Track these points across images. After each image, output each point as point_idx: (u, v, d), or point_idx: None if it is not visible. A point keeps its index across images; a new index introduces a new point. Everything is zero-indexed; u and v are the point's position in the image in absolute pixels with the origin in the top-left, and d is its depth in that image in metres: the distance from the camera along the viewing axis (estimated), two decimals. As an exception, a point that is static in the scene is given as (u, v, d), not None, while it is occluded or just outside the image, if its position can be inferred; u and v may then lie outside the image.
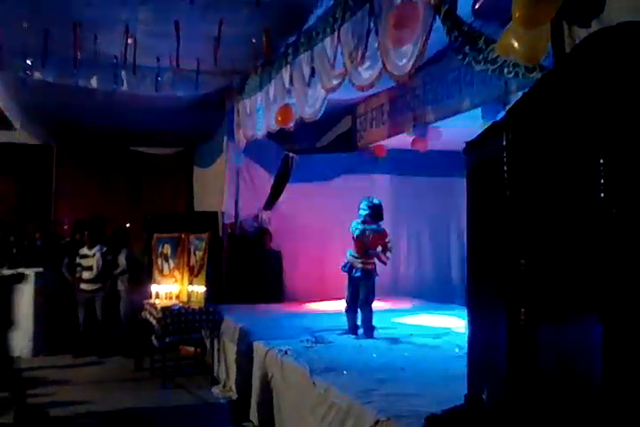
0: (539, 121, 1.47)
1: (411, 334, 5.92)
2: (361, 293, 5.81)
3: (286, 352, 5.02)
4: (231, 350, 6.43)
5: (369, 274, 5.80)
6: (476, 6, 2.90)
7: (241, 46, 6.00)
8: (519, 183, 1.78)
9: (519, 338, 1.84)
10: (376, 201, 5.96)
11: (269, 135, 7.28)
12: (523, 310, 1.82)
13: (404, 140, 7.55)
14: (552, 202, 1.47)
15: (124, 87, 6.64)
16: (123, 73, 6.40)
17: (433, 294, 8.80)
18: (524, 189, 1.74)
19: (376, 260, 5.87)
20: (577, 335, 1.46)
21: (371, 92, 5.69)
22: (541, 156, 1.54)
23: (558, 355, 1.56)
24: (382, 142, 8.33)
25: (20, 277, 6.24)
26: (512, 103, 5.75)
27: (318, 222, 8.33)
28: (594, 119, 1.17)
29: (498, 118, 5.87)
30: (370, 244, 5.82)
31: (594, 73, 1.19)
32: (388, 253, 5.85)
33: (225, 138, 8.35)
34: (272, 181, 8.43)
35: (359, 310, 5.83)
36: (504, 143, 1.85)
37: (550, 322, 1.64)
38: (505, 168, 1.86)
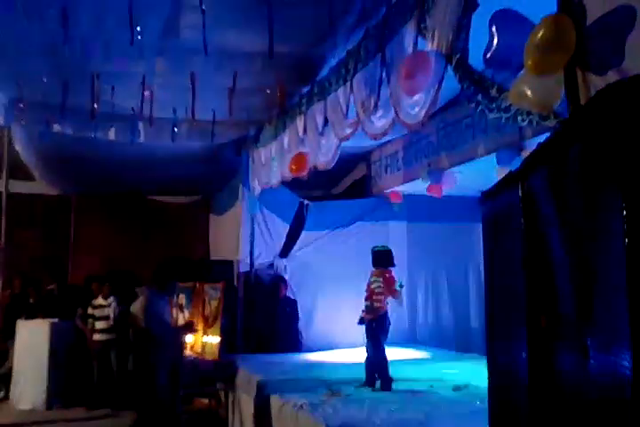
0: (555, 171, 1.43)
1: (431, 386, 5.75)
2: (369, 344, 5.70)
3: (302, 406, 4.88)
4: (246, 402, 6.27)
5: (366, 324, 5.68)
6: (488, 55, 2.90)
7: (255, 97, 6.09)
8: (536, 234, 1.72)
9: (542, 394, 1.75)
10: (377, 248, 5.91)
11: (284, 183, 7.31)
12: (547, 363, 1.74)
13: (419, 186, 7.53)
14: (572, 252, 1.41)
15: (142, 139, 6.74)
16: (140, 125, 6.51)
17: (451, 343, 8.60)
18: (541, 240, 1.68)
19: (379, 306, 5.70)
20: (603, 381, 1.37)
21: (385, 138, 5.71)
22: (559, 206, 1.49)
23: (584, 401, 1.47)
24: (397, 188, 8.32)
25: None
26: (527, 149, 5.78)
27: (334, 270, 8.25)
28: (614, 170, 1.13)
29: (513, 164, 5.88)
30: (368, 291, 5.74)
31: (613, 124, 1.15)
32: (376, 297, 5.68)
33: (240, 186, 8.39)
34: (287, 229, 8.41)
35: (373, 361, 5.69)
36: (519, 194, 1.80)
37: (574, 371, 1.56)
38: (521, 219, 1.80)
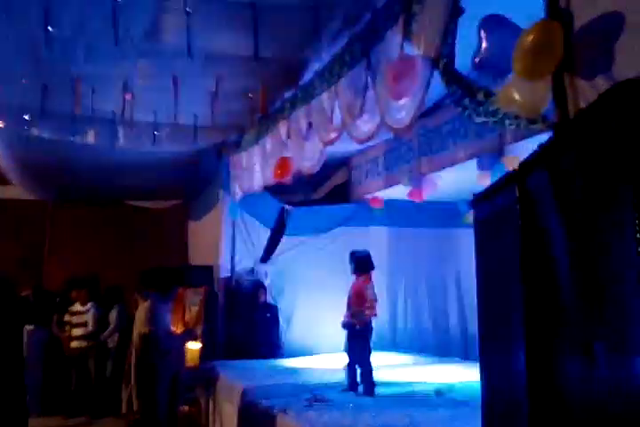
0: (555, 173, 1.44)
1: (413, 390, 5.76)
2: (355, 349, 5.67)
3: (285, 411, 4.85)
4: (227, 409, 6.21)
5: (353, 329, 5.65)
6: (477, 59, 2.93)
7: (238, 101, 6.07)
8: (534, 233, 1.73)
9: (543, 401, 1.74)
10: (359, 253, 5.90)
11: (265, 188, 7.28)
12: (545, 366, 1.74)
13: (399, 191, 7.57)
14: (578, 250, 1.42)
15: (121, 143, 6.67)
16: (120, 128, 6.44)
17: (431, 348, 8.65)
18: (540, 239, 1.69)
19: (371, 312, 5.70)
20: (611, 377, 1.37)
21: (367, 144, 5.73)
22: (562, 205, 1.50)
23: (591, 410, 1.47)
24: (378, 194, 8.35)
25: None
26: (507, 154, 5.84)
27: (314, 275, 8.25)
28: (625, 167, 1.14)
29: (493, 169, 5.94)
30: (351, 297, 5.71)
31: (616, 127, 1.17)
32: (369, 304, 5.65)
33: (220, 191, 8.35)
34: (268, 234, 8.38)
35: (358, 366, 5.67)
36: (516, 194, 1.82)
37: (577, 368, 1.56)
38: (518, 219, 1.81)
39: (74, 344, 7.91)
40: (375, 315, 5.69)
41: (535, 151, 1.67)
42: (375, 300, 5.67)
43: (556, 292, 1.57)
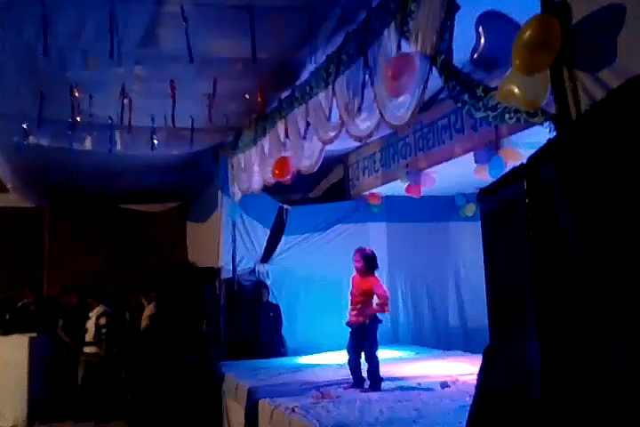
0: (566, 166, 1.48)
1: (418, 384, 5.80)
2: (363, 345, 5.69)
3: (294, 409, 4.88)
4: (234, 409, 6.25)
5: (362, 327, 5.67)
6: (475, 55, 2.97)
7: (234, 102, 6.08)
8: (544, 225, 1.77)
9: (557, 393, 1.78)
10: (367, 251, 5.88)
11: (263, 188, 7.31)
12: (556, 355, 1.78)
13: (397, 187, 7.61)
14: (592, 240, 1.45)
15: (119, 148, 6.67)
16: (117, 134, 6.44)
17: (433, 342, 8.71)
18: (550, 230, 1.73)
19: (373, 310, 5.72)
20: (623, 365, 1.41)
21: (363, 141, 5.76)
22: (566, 201, 1.54)
23: (606, 401, 1.50)
24: (376, 190, 8.39)
25: None
26: (504, 147, 5.89)
27: (315, 273, 8.31)
28: (627, 168, 1.18)
29: (490, 163, 5.99)
30: (355, 295, 5.72)
31: (628, 122, 1.20)
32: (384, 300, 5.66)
33: (219, 193, 8.37)
34: (268, 234, 8.41)
35: (366, 362, 5.70)
36: (524, 187, 1.86)
37: (592, 359, 1.60)
38: (527, 213, 1.85)
39: (84, 349, 7.94)
40: (374, 310, 5.70)
41: (544, 145, 1.71)
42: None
43: (567, 281, 1.61)
